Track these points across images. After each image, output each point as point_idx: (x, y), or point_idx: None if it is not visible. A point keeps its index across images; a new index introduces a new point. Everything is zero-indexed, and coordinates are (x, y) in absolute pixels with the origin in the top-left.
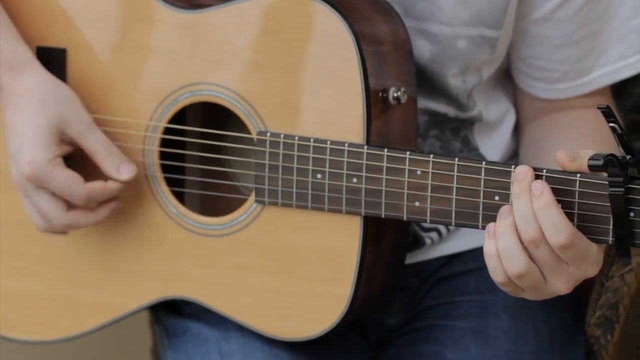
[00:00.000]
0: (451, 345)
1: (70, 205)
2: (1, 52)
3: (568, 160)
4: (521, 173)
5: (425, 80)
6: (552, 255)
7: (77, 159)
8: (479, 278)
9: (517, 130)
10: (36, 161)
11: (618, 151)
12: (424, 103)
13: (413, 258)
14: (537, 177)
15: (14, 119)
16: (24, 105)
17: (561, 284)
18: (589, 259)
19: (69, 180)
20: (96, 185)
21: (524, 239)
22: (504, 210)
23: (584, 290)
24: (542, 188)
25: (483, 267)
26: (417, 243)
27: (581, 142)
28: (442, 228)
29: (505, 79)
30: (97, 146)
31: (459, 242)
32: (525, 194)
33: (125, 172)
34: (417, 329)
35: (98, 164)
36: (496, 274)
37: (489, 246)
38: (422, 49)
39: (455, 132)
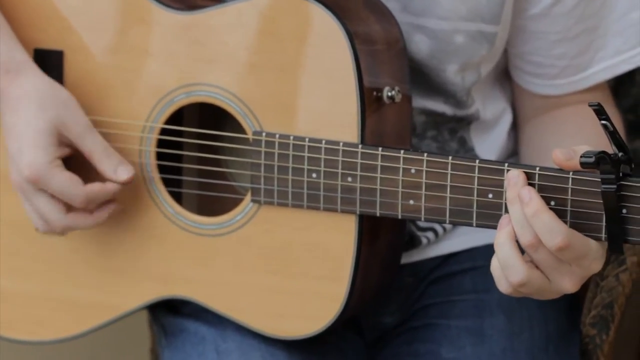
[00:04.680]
0: (447, 344)
1: (69, 208)
2: None
3: (564, 159)
4: (513, 177)
5: (423, 77)
6: (552, 257)
7: (75, 162)
8: (474, 278)
9: (513, 131)
10: (36, 163)
11: (611, 148)
12: (421, 103)
13: (409, 257)
14: (530, 175)
15: (12, 122)
16: (22, 108)
17: (566, 283)
18: (589, 256)
19: (68, 182)
20: (94, 187)
21: (523, 243)
22: (503, 220)
23: (579, 290)
24: (529, 195)
25: (478, 267)
26: (414, 242)
27: (580, 136)
28: (438, 228)
29: (503, 78)
30: (94, 148)
31: (455, 242)
32: (518, 200)
33: (122, 173)
34: (413, 328)
35: (95, 166)
36: (500, 285)
37: (493, 260)
38: (420, 44)
39: (452, 132)
